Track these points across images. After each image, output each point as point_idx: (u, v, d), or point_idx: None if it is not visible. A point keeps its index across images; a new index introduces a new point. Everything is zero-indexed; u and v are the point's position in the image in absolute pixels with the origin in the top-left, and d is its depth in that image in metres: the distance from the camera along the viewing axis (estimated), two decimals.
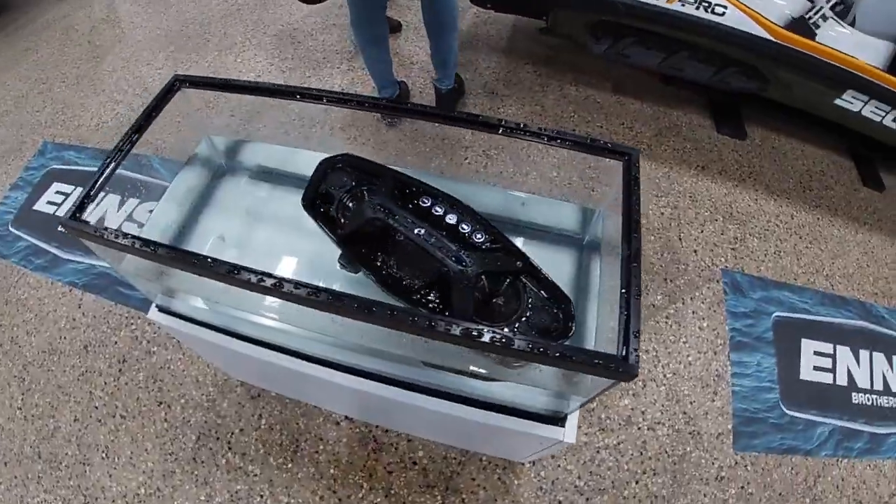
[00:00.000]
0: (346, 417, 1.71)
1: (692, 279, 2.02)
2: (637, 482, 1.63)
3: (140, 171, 2.12)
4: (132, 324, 1.92)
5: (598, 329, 1.02)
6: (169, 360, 1.83)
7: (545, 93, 2.61)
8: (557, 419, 1.10)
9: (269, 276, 0.75)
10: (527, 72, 2.70)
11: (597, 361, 0.71)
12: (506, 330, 0.76)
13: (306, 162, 1.23)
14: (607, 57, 2.30)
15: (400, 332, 0.77)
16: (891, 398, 1.86)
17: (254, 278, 0.75)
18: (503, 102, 2.53)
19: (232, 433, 1.69)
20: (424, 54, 2.67)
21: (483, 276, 0.86)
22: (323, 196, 1.00)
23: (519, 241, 1.15)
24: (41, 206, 2.31)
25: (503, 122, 0.98)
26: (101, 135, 2.46)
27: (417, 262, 0.91)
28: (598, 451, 1.67)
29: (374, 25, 2.09)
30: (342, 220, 0.96)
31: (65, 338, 1.91)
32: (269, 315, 1.10)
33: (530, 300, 0.89)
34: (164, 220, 1.18)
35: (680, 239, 2.12)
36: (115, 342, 1.88)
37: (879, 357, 1.93)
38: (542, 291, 0.90)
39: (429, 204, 0.96)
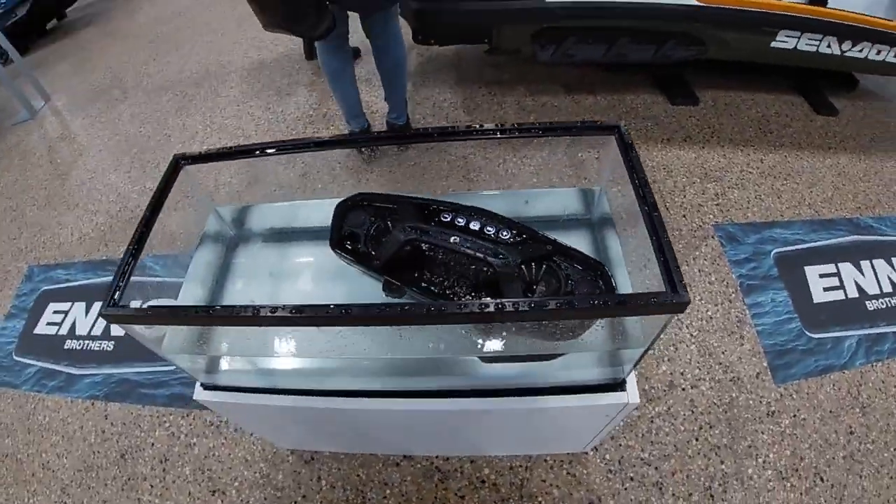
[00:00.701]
0: (405, 457, 1.70)
1: (689, 241, 2.09)
2: (697, 439, 1.67)
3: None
4: (165, 422, 1.90)
5: (635, 289, 1.07)
6: (212, 448, 1.81)
7: (504, 110, 2.72)
8: (617, 385, 1.13)
9: (332, 306, 0.78)
10: (482, 95, 2.82)
11: (652, 300, 0.76)
12: None
13: (315, 212, 1.28)
14: (554, 61, 2.41)
15: (467, 324, 0.80)
16: None
17: (318, 311, 0.78)
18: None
19: (295, 502, 1.68)
20: (380, 102, 2.76)
21: (522, 266, 0.91)
22: (348, 236, 1.05)
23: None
24: (42, 328, 2.28)
25: (499, 126, 1.04)
26: (85, 247, 2.46)
27: (458, 269, 0.96)
28: (652, 421, 1.70)
29: (339, 55, 2.15)
30: (373, 253, 1.00)
31: (98, 452, 1.87)
32: (322, 353, 1.12)
33: (568, 276, 0.94)
34: (191, 300, 1.20)
35: (667, 208, 2.21)
36: (152, 444, 1.85)
37: (880, 263, 2.03)
38: (576, 265, 0.96)
39: (450, 217, 1.00)
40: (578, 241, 1.20)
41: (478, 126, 1.07)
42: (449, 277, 0.97)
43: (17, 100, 3.24)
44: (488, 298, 0.90)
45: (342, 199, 1.12)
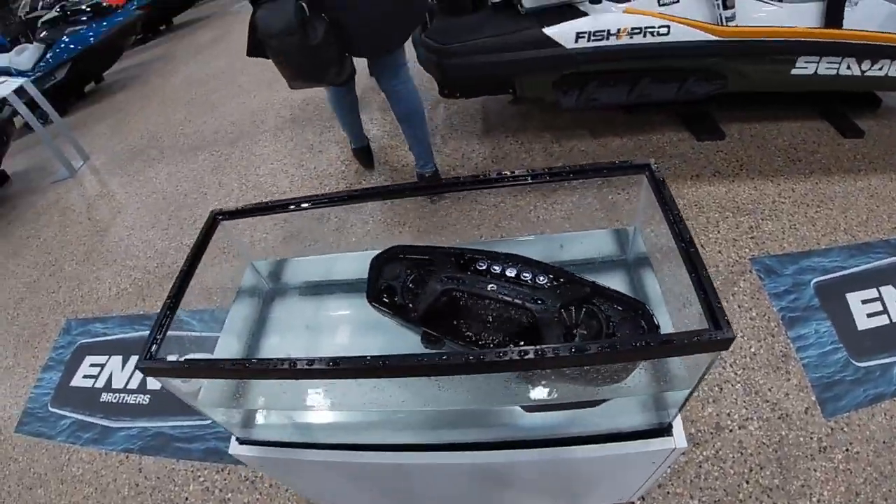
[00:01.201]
0: None
1: (727, 277, 2.06)
2: (747, 482, 1.60)
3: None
4: (199, 476, 1.89)
5: (676, 328, 1.05)
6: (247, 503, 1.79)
7: (532, 157, 2.75)
8: (663, 430, 1.10)
9: (369, 358, 0.77)
10: (510, 144, 2.86)
11: (695, 338, 0.74)
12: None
13: (350, 265, 1.29)
14: (578, 106, 2.44)
15: (508, 373, 0.79)
16: None
17: (355, 364, 0.77)
18: None
19: None
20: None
21: (561, 311, 0.90)
22: (385, 289, 1.05)
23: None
24: (78, 381, 2.32)
25: (530, 172, 1.05)
26: (123, 302, 2.51)
27: (497, 317, 0.95)
28: (700, 466, 1.64)
29: (346, 97, 2.37)
30: (411, 305, 1.00)
31: None
32: (360, 407, 1.11)
33: (609, 317, 0.93)
34: (227, 354, 1.21)
35: (702, 246, 2.18)
36: (186, 498, 1.84)
37: None
38: (616, 306, 0.94)
39: (485, 265, 1.00)
40: (615, 282, 1.18)
41: (508, 173, 1.08)
42: (488, 326, 0.96)
43: (56, 159, 3.39)
44: (528, 345, 0.87)
45: (377, 251, 1.14)
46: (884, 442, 1.63)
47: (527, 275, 0.97)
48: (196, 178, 2.99)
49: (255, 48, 1.96)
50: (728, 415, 1.72)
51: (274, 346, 1.21)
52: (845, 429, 1.66)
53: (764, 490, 1.58)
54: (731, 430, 1.69)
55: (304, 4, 1.78)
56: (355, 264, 1.18)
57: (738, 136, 2.63)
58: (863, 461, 1.60)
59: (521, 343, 0.93)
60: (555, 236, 1.28)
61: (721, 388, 1.78)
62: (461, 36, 2.31)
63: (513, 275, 0.97)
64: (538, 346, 0.75)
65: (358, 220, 2.30)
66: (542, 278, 0.96)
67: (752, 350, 1.85)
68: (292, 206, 1.12)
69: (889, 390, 1.72)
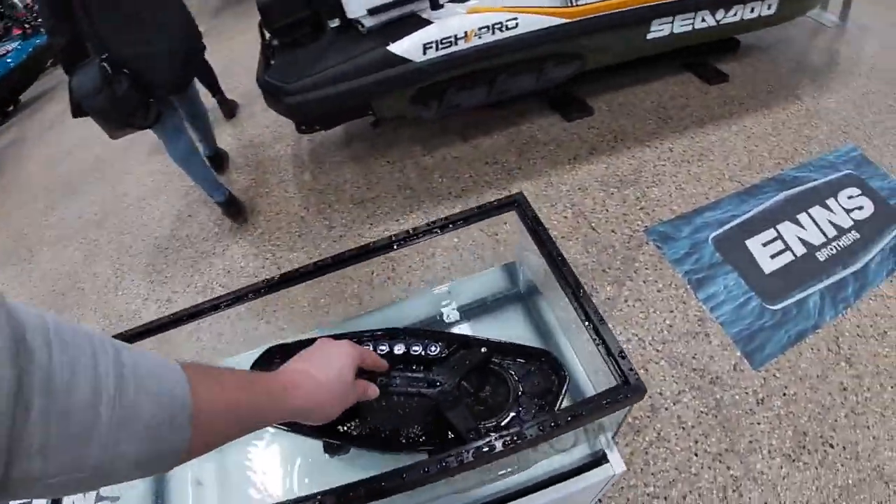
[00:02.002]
0: None
1: (626, 255, 2.07)
2: (696, 454, 1.61)
3: None
4: None
5: (583, 357, 1.02)
6: None
7: (406, 175, 2.68)
8: (599, 460, 1.07)
9: None
10: (381, 166, 2.77)
11: (605, 402, 0.72)
12: (510, 416, 0.81)
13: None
14: (441, 115, 2.39)
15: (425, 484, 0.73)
16: (847, 234, 1.98)
17: None
18: (375, 204, 2.58)
19: None
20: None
21: (462, 382, 0.85)
22: None
23: (465, 327, 1.14)
24: None
25: (393, 239, 0.98)
26: None
27: (398, 409, 0.88)
28: (646, 453, 1.63)
29: (182, 141, 2.47)
30: None
31: None
32: None
33: (514, 374, 0.88)
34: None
35: (594, 228, 2.18)
36: None
37: (816, 210, 2.05)
38: (519, 359, 0.90)
39: (370, 348, 0.94)
40: (513, 318, 1.15)
41: (371, 244, 1.01)
42: (390, 419, 0.89)
43: None
44: (435, 431, 0.84)
45: (252, 352, 1.04)
46: (817, 376, 1.68)
47: (417, 348, 0.91)
48: (70, 274, 2.74)
49: (77, 109, 2.21)
50: (660, 394, 1.73)
51: (181, 479, 1.09)
52: (777, 374, 1.71)
53: (714, 457, 1.60)
54: (666, 409, 1.70)
55: (105, 65, 2.07)
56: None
57: (607, 108, 2.66)
58: (802, 400, 1.65)
59: (428, 430, 0.85)
60: (443, 288, 1.22)
61: (647, 370, 1.78)
62: (305, 70, 2.19)
63: (401, 352, 0.91)
64: (433, 460, 0.70)
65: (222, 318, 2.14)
66: (433, 348, 0.90)
67: (668, 322, 1.86)
68: (157, 330, 1.01)
69: (809, 325, 1.78)
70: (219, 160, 2.99)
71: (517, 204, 0.98)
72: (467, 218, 0.99)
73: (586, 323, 0.81)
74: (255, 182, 2.88)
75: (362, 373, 0.77)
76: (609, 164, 2.39)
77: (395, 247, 1.00)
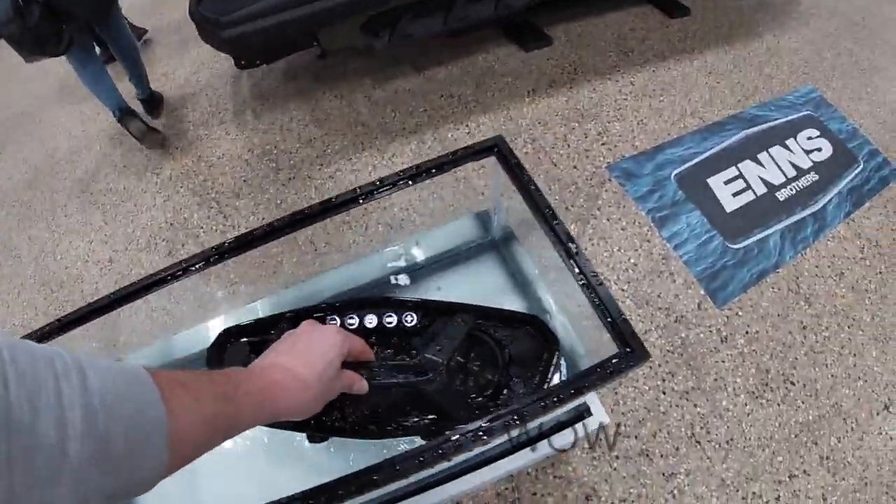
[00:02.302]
0: None
1: (588, 192, 2.02)
2: (664, 392, 1.64)
3: None
4: None
5: (563, 307, 0.99)
6: None
7: (356, 110, 2.52)
8: (583, 413, 1.05)
9: None
10: (328, 101, 2.59)
11: (609, 371, 0.68)
12: (504, 390, 0.77)
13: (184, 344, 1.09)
14: (393, 45, 2.23)
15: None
16: (806, 175, 1.99)
17: None
18: (325, 142, 2.42)
19: None
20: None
21: (449, 362, 0.78)
22: None
23: (438, 281, 1.07)
24: None
25: (358, 191, 0.89)
26: None
27: (384, 397, 0.81)
28: (616, 393, 1.65)
29: (91, 64, 2.47)
30: None
31: None
32: None
33: (500, 341, 0.83)
34: None
35: (555, 164, 2.12)
36: None
37: (776, 150, 2.04)
38: (505, 327, 0.85)
39: (337, 322, 0.86)
40: (487, 267, 1.09)
41: (334, 200, 0.90)
42: (376, 408, 0.81)
43: None
44: (426, 410, 0.80)
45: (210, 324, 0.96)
46: (778, 315, 1.72)
47: (390, 319, 0.84)
48: (4, 241, 2.51)
49: None
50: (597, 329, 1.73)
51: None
52: (739, 313, 1.73)
53: (682, 395, 1.63)
54: (604, 345, 1.71)
55: None
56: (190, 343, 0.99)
57: (566, 39, 2.55)
58: (764, 339, 1.69)
59: (417, 410, 0.81)
60: (409, 240, 1.14)
61: (580, 307, 1.78)
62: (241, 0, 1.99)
63: (372, 325, 0.84)
64: (432, 446, 0.65)
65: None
66: (409, 318, 0.84)
67: (632, 261, 1.85)
68: (93, 313, 0.89)
69: (770, 264, 1.80)
70: (153, 102, 2.78)
71: (497, 149, 0.90)
72: (441, 165, 0.90)
73: (582, 283, 0.76)
74: (192, 125, 2.66)
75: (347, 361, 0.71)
76: (569, 98, 2.31)
77: (360, 201, 0.90)
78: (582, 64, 2.43)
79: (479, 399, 0.79)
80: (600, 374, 0.70)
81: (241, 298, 1.45)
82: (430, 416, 0.80)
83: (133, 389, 0.41)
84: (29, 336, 0.88)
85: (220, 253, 0.89)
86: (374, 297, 0.89)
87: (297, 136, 2.47)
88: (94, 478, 0.35)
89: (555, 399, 0.69)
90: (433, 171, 0.89)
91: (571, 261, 0.77)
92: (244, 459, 0.97)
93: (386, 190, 0.88)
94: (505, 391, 0.80)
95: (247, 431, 0.55)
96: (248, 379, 0.58)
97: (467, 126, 2.28)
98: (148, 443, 0.40)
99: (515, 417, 0.67)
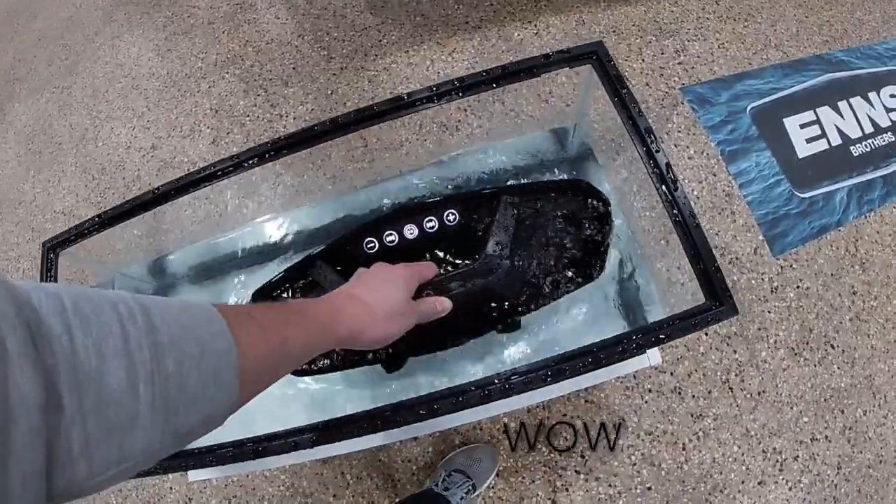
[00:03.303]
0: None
1: (658, 112, 1.90)
2: (706, 333, 1.62)
3: None
4: None
5: (636, 233, 0.95)
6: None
7: None
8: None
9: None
10: None
11: (695, 322, 0.67)
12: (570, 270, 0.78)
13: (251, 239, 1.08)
14: None
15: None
16: (884, 134, 1.84)
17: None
18: (380, 32, 2.26)
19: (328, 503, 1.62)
20: None
21: (509, 250, 0.78)
22: None
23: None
24: None
25: (433, 90, 0.82)
26: None
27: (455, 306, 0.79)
28: None
29: None
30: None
31: None
32: None
33: (553, 213, 0.82)
34: None
35: (627, 78, 1.97)
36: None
37: (857, 101, 1.88)
38: (553, 197, 0.83)
39: (376, 244, 0.83)
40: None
41: (405, 97, 0.85)
42: (447, 319, 0.81)
43: None
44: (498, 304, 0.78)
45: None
46: (831, 274, 1.65)
47: (432, 222, 0.82)
48: (44, 128, 2.48)
49: None
50: (678, 268, 1.68)
51: None
52: (794, 265, 1.66)
53: (723, 339, 1.60)
54: (682, 284, 1.66)
55: None
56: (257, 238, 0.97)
57: None
58: (813, 296, 1.63)
59: (493, 304, 0.79)
60: (484, 146, 1.09)
61: (667, 241, 1.72)
62: None
63: (414, 235, 0.81)
64: (530, 370, 0.65)
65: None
66: (451, 217, 0.81)
67: (695, 193, 1.77)
68: (135, 209, 0.87)
69: (833, 220, 1.71)
70: None
71: (596, 57, 0.82)
72: (531, 69, 0.82)
73: (677, 221, 0.71)
74: (239, 7, 2.51)
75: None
76: (648, 8, 2.11)
77: (435, 100, 0.83)
78: None
79: (549, 280, 0.78)
80: (683, 325, 0.68)
81: (288, 192, 1.43)
82: (507, 310, 0.79)
83: (200, 324, 0.40)
84: (69, 232, 0.88)
85: (274, 149, 0.85)
86: (408, 204, 0.86)
87: (350, 22, 2.31)
88: (169, 419, 0.35)
89: (633, 345, 0.67)
90: (522, 74, 0.82)
91: (669, 196, 0.72)
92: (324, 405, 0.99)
93: (470, 90, 0.82)
94: (567, 263, 0.79)
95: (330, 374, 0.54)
96: (315, 304, 0.59)
97: (535, 26, 2.12)
98: (218, 376, 0.40)
99: (590, 359, 0.66)
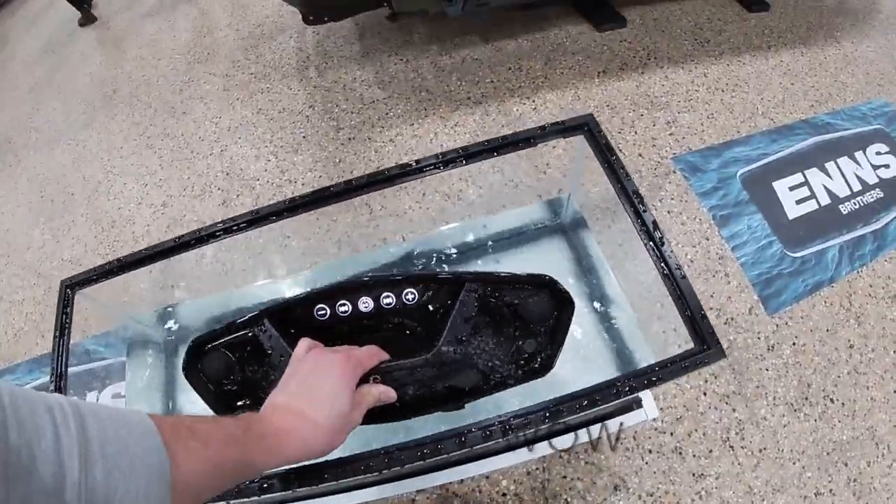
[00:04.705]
0: (418, 491, 1.61)
1: (651, 181, 1.98)
2: (705, 393, 1.62)
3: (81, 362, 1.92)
4: None
5: (628, 291, 0.99)
6: None
7: (421, 76, 2.49)
8: (631, 404, 1.06)
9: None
10: (394, 64, 2.57)
11: (685, 365, 0.71)
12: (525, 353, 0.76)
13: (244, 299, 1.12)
14: (466, 12, 2.18)
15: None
16: (871, 191, 1.91)
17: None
18: (387, 105, 2.40)
19: None
20: None
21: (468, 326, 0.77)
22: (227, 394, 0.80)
23: (501, 258, 1.08)
24: None
25: (440, 157, 0.89)
26: (23, 344, 2.17)
27: (402, 388, 0.77)
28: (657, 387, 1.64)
29: None
30: None
31: None
32: None
33: (513, 304, 0.80)
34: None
35: (621, 150, 2.07)
36: None
37: (843, 160, 1.97)
38: (517, 290, 0.80)
39: (327, 314, 0.80)
40: (552, 249, 1.10)
41: (414, 164, 0.91)
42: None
43: None
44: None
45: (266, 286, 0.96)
46: (826, 330, 1.68)
47: (389, 299, 0.79)
48: (58, 178, 2.58)
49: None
50: (675, 330, 1.71)
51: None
52: (789, 323, 1.69)
53: (722, 398, 1.61)
54: (679, 346, 1.69)
55: None
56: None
57: (641, 22, 2.47)
58: (810, 352, 1.65)
59: (441, 392, 0.78)
60: (481, 218, 1.14)
61: (662, 305, 1.76)
62: None
63: (367, 309, 0.79)
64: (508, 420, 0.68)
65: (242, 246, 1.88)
66: (409, 296, 0.79)
67: (689, 257, 1.82)
68: (159, 255, 0.93)
69: (826, 277, 1.76)
70: None
71: (587, 128, 0.88)
72: (528, 139, 0.88)
73: (665, 274, 0.76)
74: (254, 77, 2.67)
75: None
76: (640, 83, 2.24)
77: (441, 167, 0.89)
78: (655, 49, 2.35)
79: (501, 367, 0.77)
80: (673, 369, 0.71)
81: (293, 255, 1.47)
82: (452, 394, 0.77)
83: (134, 437, 0.40)
84: (89, 273, 0.92)
85: (284, 210, 0.91)
86: (366, 277, 0.82)
87: (359, 96, 2.45)
88: None
89: (625, 388, 0.70)
90: (521, 143, 0.88)
91: (657, 251, 0.76)
92: None
93: (473, 158, 0.88)
94: (518, 356, 0.78)
95: None
96: (259, 421, 0.57)
97: (533, 101, 2.24)
98: (149, 490, 0.39)
99: (585, 401, 0.68)
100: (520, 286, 0.79)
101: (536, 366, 0.78)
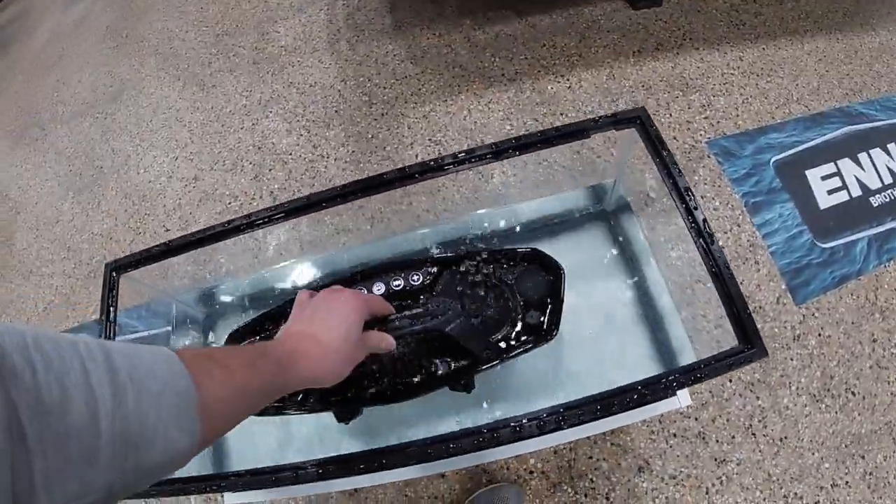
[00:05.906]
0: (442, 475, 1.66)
1: (685, 165, 1.97)
2: (730, 380, 1.64)
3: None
4: None
5: (669, 280, 0.99)
6: None
7: (454, 51, 2.46)
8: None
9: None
10: (426, 38, 2.54)
11: (730, 363, 0.73)
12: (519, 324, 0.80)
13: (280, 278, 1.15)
14: None
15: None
16: None
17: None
18: (420, 81, 2.38)
19: None
20: None
21: (464, 302, 0.83)
22: None
23: (544, 244, 1.09)
24: None
25: (495, 147, 0.89)
26: (54, 316, 2.21)
27: (404, 352, 0.83)
28: None
29: None
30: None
31: None
32: None
33: (511, 278, 0.86)
34: None
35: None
36: None
37: (876, 152, 1.94)
38: (510, 263, 0.87)
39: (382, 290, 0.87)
40: (595, 235, 1.11)
41: (462, 155, 0.92)
42: (397, 365, 0.83)
43: None
44: (450, 357, 0.81)
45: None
46: (852, 322, 1.68)
47: (398, 281, 0.85)
48: (86, 151, 2.60)
49: None
50: (703, 316, 1.72)
51: None
52: (816, 314, 1.70)
53: (747, 386, 1.63)
54: (708, 332, 1.71)
55: None
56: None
57: (677, 1, 2.42)
58: (834, 344, 1.66)
59: (441, 358, 0.82)
60: (531, 202, 1.15)
61: (693, 290, 1.77)
62: None
63: (381, 291, 0.85)
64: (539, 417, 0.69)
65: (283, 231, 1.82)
66: (415, 277, 0.85)
67: (721, 243, 1.80)
68: (202, 240, 0.94)
69: (853, 270, 1.75)
70: None
71: (640, 121, 0.89)
72: (581, 131, 0.89)
73: (713, 272, 0.77)
74: (284, 50, 2.66)
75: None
76: (676, 64, 2.21)
77: (494, 157, 0.90)
78: (691, 30, 2.31)
79: (501, 336, 0.81)
80: (718, 366, 0.73)
81: (327, 231, 1.48)
82: (459, 363, 0.82)
83: (159, 365, 0.41)
84: (135, 256, 0.95)
85: (318, 202, 0.92)
86: (383, 262, 0.89)
87: (391, 70, 2.44)
88: (130, 455, 0.36)
89: (673, 383, 0.71)
90: (573, 135, 0.89)
91: (706, 249, 0.78)
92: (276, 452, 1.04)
93: (526, 149, 0.89)
94: (520, 324, 0.83)
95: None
96: (273, 347, 0.60)
97: (568, 80, 2.22)
98: (179, 415, 0.40)
99: (635, 395, 0.70)
100: (513, 260, 0.86)
101: (539, 333, 0.82)
